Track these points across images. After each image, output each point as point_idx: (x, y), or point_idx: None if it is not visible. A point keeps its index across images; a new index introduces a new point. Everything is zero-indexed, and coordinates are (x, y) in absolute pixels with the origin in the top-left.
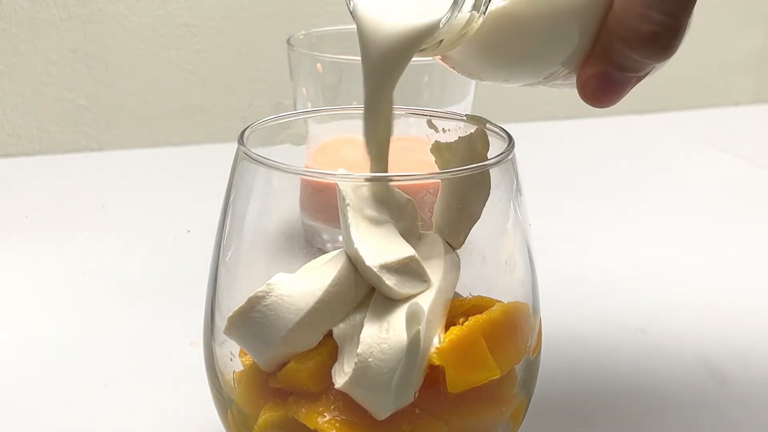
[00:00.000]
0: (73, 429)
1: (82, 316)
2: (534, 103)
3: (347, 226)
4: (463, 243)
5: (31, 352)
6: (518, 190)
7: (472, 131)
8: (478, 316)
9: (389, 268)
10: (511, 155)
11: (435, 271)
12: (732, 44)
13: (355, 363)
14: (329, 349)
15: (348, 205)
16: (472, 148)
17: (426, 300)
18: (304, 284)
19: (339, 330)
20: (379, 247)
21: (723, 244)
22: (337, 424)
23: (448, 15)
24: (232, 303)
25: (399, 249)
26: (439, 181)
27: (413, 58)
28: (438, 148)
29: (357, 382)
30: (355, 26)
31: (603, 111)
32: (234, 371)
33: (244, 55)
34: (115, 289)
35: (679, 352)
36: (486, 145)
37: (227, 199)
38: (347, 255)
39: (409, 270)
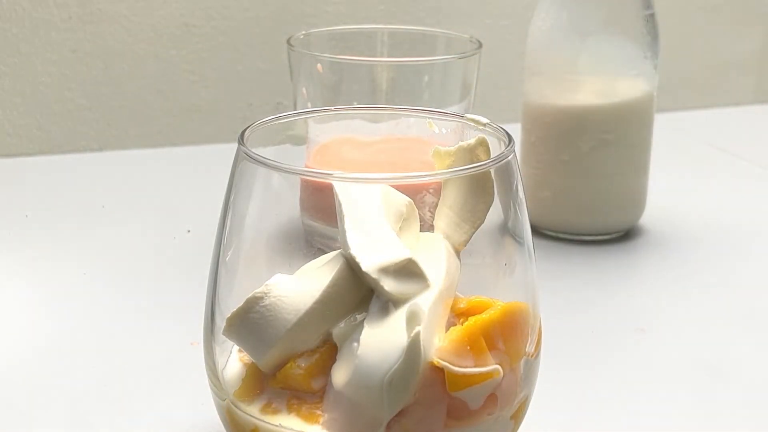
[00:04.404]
0: (72, 429)
1: (82, 316)
2: None
3: (344, 229)
4: (465, 245)
5: (31, 352)
6: (518, 190)
7: (474, 139)
8: (478, 316)
9: (386, 270)
10: (511, 155)
11: (435, 271)
12: (732, 44)
13: (355, 364)
14: (328, 349)
15: (345, 206)
16: (474, 156)
17: (426, 300)
18: (302, 285)
19: (338, 330)
20: (377, 249)
21: (722, 243)
22: (336, 425)
23: None
24: (232, 303)
25: (396, 251)
26: (440, 181)
27: (414, 59)
28: (439, 154)
29: (356, 382)
30: (354, 26)
31: None
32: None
33: (244, 55)
34: (114, 289)
35: (679, 352)
36: (487, 153)
37: (227, 199)
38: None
39: (407, 272)
